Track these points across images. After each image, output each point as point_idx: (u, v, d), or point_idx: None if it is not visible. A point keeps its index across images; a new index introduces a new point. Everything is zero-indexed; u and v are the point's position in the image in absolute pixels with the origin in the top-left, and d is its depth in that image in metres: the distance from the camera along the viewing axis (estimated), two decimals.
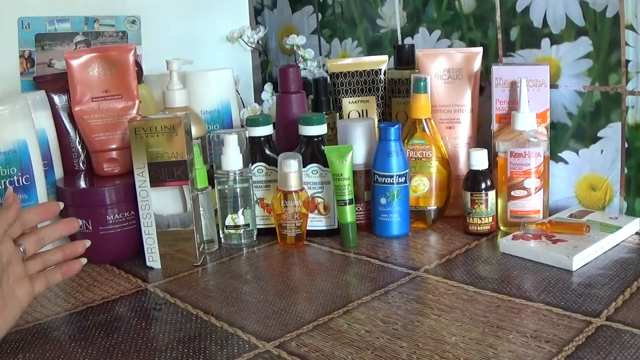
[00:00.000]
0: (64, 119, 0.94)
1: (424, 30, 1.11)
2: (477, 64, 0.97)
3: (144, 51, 1.11)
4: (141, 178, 0.84)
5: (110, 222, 0.85)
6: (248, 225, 0.93)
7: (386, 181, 0.90)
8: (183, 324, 0.70)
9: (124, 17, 1.09)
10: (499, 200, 0.92)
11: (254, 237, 0.94)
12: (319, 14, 1.28)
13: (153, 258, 0.86)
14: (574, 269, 0.77)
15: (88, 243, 0.74)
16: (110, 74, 0.93)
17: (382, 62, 1.03)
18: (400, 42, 1.14)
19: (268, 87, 1.23)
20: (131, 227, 0.87)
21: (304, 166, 0.93)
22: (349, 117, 1.03)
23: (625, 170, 0.90)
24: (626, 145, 0.90)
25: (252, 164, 0.94)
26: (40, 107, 0.90)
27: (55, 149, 0.92)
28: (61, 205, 0.73)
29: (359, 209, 0.94)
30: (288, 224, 0.90)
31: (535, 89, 0.91)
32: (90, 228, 0.85)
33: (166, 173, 0.83)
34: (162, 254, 0.86)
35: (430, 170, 0.94)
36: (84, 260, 0.73)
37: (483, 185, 0.90)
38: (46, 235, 0.70)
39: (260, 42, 1.28)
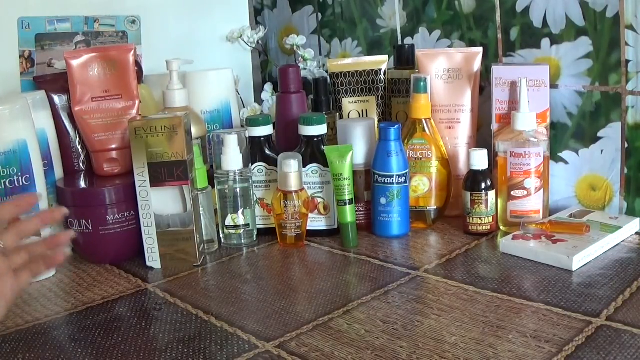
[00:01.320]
0: (64, 119, 0.94)
1: (424, 30, 1.11)
2: (477, 64, 0.97)
3: (144, 51, 1.11)
4: (141, 178, 0.84)
5: (110, 222, 0.85)
6: (248, 225, 0.93)
7: (386, 181, 0.90)
8: (183, 324, 0.70)
9: (124, 17, 1.09)
10: (499, 200, 0.92)
11: (254, 237, 0.94)
12: (319, 14, 1.28)
13: (153, 258, 0.86)
14: (574, 269, 0.77)
15: (72, 234, 0.72)
16: (110, 74, 0.93)
17: (382, 62, 1.03)
18: (400, 42, 1.14)
19: (268, 87, 1.23)
20: (131, 227, 0.87)
21: (304, 166, 0.92)
22: (349, 117, 1.03)
23: (625, 170, 0.90)
24: (626, 145, 0.89)
25: (252, 164, 0.94)
26: (40, 107, 0.90)
27: (55, 149, 0.92)
28: (39, 196, 0.70)
29: (359, 209, 0.94)
30: (288, 224, 0.90)
31: (535, 89, 0.91)
32: (90, 228, 0.85)
33: (166, 173, 0.83)
34: (162, 254, 0.86)
35: (430, 170, 0.94)
36: (68, 252, 0.71)
37: (483, 185, 0.90)
38: (25, 227, 0.68)
39: (260, 42, 1.28)
